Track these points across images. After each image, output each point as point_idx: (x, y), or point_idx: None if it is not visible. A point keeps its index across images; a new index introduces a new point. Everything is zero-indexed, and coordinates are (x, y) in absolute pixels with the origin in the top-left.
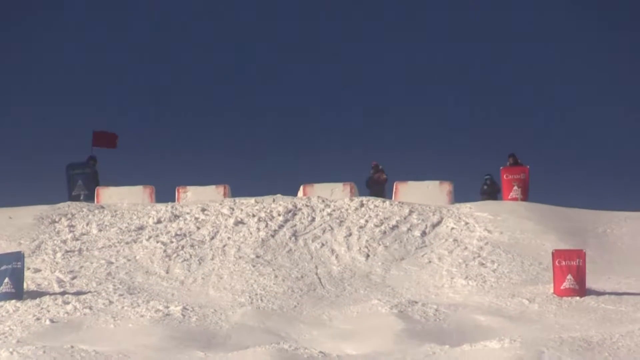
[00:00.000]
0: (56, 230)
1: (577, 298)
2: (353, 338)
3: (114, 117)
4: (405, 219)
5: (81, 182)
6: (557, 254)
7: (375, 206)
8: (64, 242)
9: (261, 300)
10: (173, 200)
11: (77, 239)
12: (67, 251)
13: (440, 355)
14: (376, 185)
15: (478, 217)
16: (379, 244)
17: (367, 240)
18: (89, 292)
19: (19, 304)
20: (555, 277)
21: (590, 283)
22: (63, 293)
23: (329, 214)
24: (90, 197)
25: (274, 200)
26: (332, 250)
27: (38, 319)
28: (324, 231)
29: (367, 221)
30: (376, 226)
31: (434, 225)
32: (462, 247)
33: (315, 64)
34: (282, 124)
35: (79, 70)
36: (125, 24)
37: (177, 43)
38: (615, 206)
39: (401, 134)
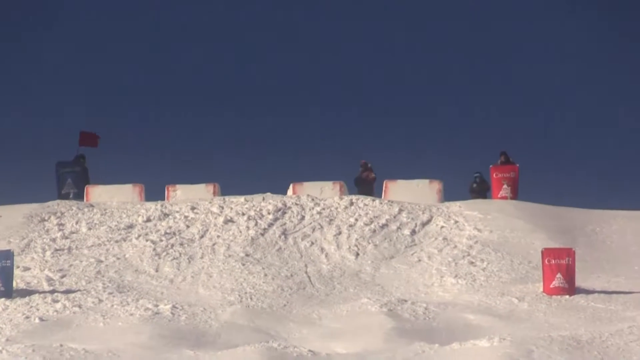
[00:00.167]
0: (45, 228)
1: (567, 297)
2: (343, 337)
3: (104, 116)
4: (394, 217)
5: (70, 181)
6: (546, 253)
7: (365, 205)
8: (54, 240)
9: (251, 298)
10: (163, 199)
11: (66, 238)
12: (56, 249)
13: (429, 353)
14: (365, 184)
15: (468, 215)
16: (369, 243)
17: (356, 239)
18: (79, 290)
19: (8, 302)
20: (545, 276)
21: (579, 282)
22: (52, 291)
23: (319, 213)
24: (79, 196)
25: (263, 199)
26: (322, 249)
27: (27, 317)
28: (313, 230)
29: (356, 220)
30: (366, 225)
31: (424, 224)
32: (451, 246)
33: (306, 63)
34: (272, 123)
35: (69, 68)
36: (117, 22)
37: (170, 42)
38: (605, 205)
39: (391, 133)
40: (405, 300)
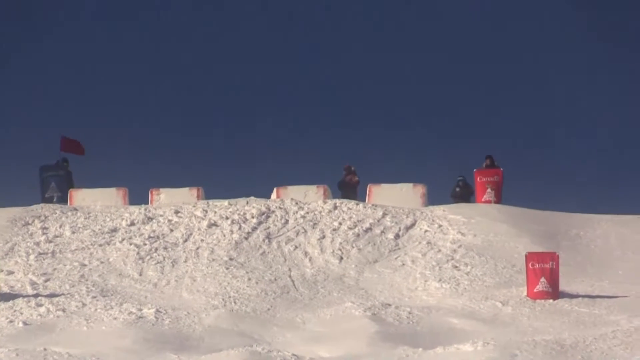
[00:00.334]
0: (29, 232)
1: (551, 301)
2: (326, 341)
3: (87, 120)
4: (378, 221)
5: (54, 184)
6: (530, 257)
7: (349, 209)
8: (37, 244)
9: (234, 302)
10: (146, 203)
11: (50, 241)
12: (40, 253)
13: (413, 357)
14: (348, 188)
15: (451, 219)
16: (353, 247)
17: (340, 243)
18: (62, 294)
19: None
20: (529, 280)
21: (563, 286)
22: (36, 295)
23: (303, 217)
24: (63, 199)
25: (247, 203)
26: (306, 253)
27: (11, 321)
28: (297, 234)
29: (340, 224)
30: (350, 229)
31: (408, 228)
32: (435, 250)
33: (289, 66)
34: (255, 127)
35: (52, 71)
36: (98, 24)
37: (153, 44)
38: (589, 209)
39: (375, 136)
40: (389, 305)
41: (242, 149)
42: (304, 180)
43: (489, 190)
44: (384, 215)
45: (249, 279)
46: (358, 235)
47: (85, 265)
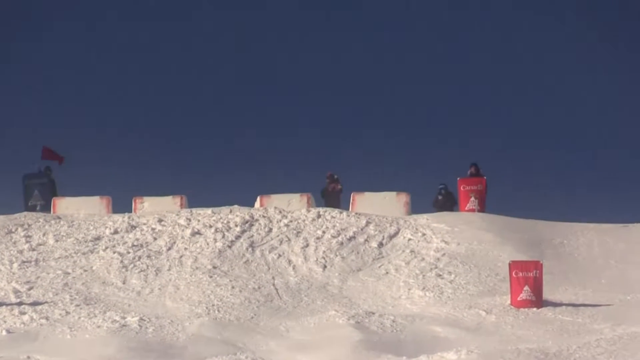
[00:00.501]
0: (12, 240)
1: (534, 309)
2: (310, 349)
3: (71, 128)
4: (362, 230)
5: (37, 193)
6: (514, 265)
7: (333, 217)
8: (21, 252)
9: (218, 311)
10: (130, 211)
11: (33, 250)
12: (23, 261)
13: None
14: (331, 196)
15: (435, 228)
16: (336, 255)
17: (324, 251)
18: (46, 302)
19: None
20: (512, 289)
21: (547, 294)
22: (19, 303)
23: (286, 225)
24: (46, 208)
25: (230, 211)
26: (289, 261)
27: None
28: (281, 242)
29: (324, 232)
30: (333, 237)
31: (391, 237)
32: (419, 258)
33: (271, 71)
34: (239, 135)
35: (33, 78)
36: (80, 32)
37: (135, 53)
38: (572, 218)
39: (358, 145)
40: (373, 313)
41: (225, 157)
42: (288, 189)
43: (472, 198)
44: (368, 223)
45: (233, 287)
46: (342, 243)
47: (68, 273)
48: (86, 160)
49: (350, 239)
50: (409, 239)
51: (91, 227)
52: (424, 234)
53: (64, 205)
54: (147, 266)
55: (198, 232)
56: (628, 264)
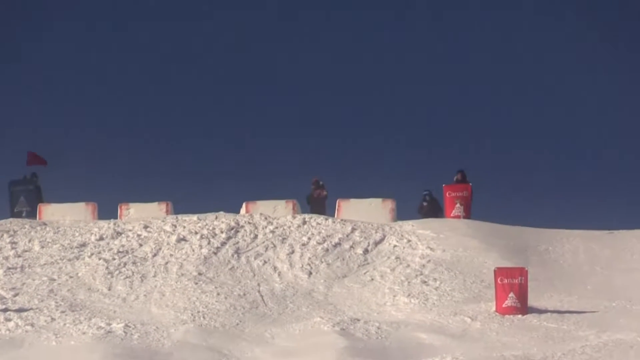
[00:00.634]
0: None
1: (519, 316)
2: (295, 356)
3: (55, 133)
4: (347, 236)
5: (23, 199)
6: (499, 272)
7: (318, 224)
8: (6, 258)
9: (203, 317)
10: (115, 217)
11: (19, 256)
12: (9, 268)
13: None
14: (317, 202)
15: (420, 234)
16: (322, 262)
17: (309, 258)
18: (31, 309)
19: None
20: (498, 295)
21: (532, 301)
22: (5, 310)
23: (272, 232)
24: (32, 214)
25: (216, 218)
26: (275, 268)
27: None
28: (266, 248)
29: (309, 239)
30: (319, 244)
31: (377, 243)
32: (404, 265)
33: (255, 77)
34: (224, 141)
35: (16, 83)
36: (64, 34)
37: (118, 58)
38: (558, 224)
39: (344, 151)
40: (358, 320)
41: (211, 163)
42: (273, 195)
43: (458, 205)
44: (353, 230)
45: (218, 294)
46: (327, 250)
47: (54, 279)
48: (72, 166)
49: (336, 245)
50: (395, 246)
51: (77, 234)
52: (409, 241)
53: (50, 211)
54: (133, 272)
55: (184, 239)
56: (613, 270)
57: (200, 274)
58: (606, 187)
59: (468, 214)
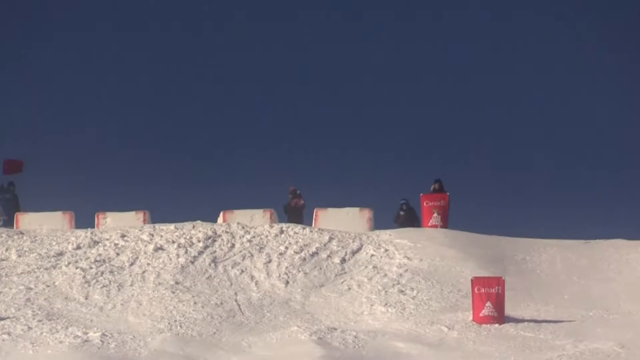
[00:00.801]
0: None
1: (496, 325)
2: None
3: (32, 142)
4: (325, 245)
5: (0, 208)
6: (476, 281)
7: (295, 233)
8: None
9: (180, 326)
10: (92, 226)
11: None
12: None
13: None
14: (294, 211)
15: (398, 244)
16: (299, 271)
17: (286, 267)
18: (8, 317)
19: None
20: (475, 305)
21: (509, 310)
22: None
23: (249, 241)
24: (9, 223)
25: (193, 227)
26: (252, 277)
27: None
28: (243, 258)
29: (287, 248)
30: (296, 253)
31: (354, 252)
32: (381, 274)
33: (232, 85)
34: (201, 150)
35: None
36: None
37: (94, 65)
38: (535, 234)
39: (321, 160)
40: (335, 329)
41: (188, 172)
42: (251, 204)
43: (435, 214)
44: (330, 239)
45: (195, 303)
46: (304, 259)
47: (31, 288)
48: (48, 175)
49: (313, 254)
50: (372, 255)
51: (54, 243)
52: (386, 250)
53: (27, 220)
54: (110, 281)
55: (161, 248)
56: (590, 280)
57: (177, 283)
58: (584, 197)
59: (445, 224)
